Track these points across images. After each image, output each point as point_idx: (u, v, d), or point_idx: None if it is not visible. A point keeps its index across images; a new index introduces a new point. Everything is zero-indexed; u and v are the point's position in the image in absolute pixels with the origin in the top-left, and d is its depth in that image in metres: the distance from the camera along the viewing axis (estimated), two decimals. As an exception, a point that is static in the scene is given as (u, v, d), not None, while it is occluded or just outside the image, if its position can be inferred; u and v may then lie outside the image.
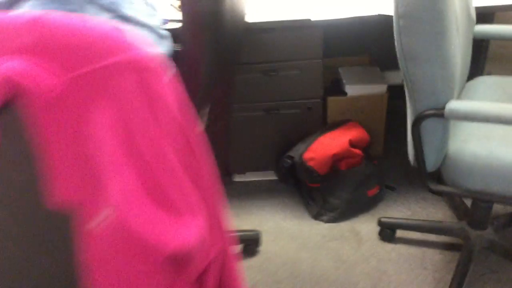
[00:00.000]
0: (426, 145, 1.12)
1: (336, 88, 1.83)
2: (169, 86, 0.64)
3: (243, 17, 1.30)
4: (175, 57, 1.00)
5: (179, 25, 1.39)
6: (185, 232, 0.63)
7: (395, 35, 1.08)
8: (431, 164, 1.14)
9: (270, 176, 1.89)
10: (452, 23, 1.06)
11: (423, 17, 1.01)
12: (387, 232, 1.56)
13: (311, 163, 1.55)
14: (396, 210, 1.71)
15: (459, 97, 1.32)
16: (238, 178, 1.91)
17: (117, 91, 0.60)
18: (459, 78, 1.17)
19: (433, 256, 1.52)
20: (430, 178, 1.16)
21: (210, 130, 1.13)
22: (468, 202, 1.51)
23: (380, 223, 1.57)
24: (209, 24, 0.97)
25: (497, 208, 1.66)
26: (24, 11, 0.93)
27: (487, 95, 1.35)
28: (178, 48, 1.08)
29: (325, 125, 1.74)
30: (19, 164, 0.63)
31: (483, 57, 1.59)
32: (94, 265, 0.63)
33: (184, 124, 0.66)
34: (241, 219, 1.74)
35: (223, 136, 1.51)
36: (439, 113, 1.07)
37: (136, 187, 0.61)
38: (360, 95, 1.77)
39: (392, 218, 1.62)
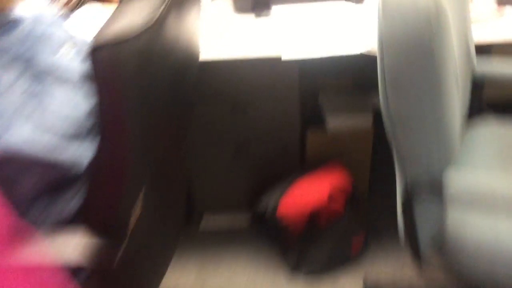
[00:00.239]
0: (420, 225, 0.92)
1: (316, 116, 1.61)
2: None
3: (194, 56, 1.08)
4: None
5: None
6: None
7: (380, 92, 0.87)
8: (426, 246, 0.94)
9: (242, 220, 1.68)
10: (450, 74, 0.85)
11: (415, 70, 0.80)
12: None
13: (285, 221, 1.35)
14: (384, 261, 1.51)
15: (458, 153, 1.11)
16: (205, 224, 1.69)
17: None
18: (458, 134, 0.96)
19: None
20: (425, 262, 0.96)
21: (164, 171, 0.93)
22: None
23: (365, 284, 1.38)
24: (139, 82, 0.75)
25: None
26: None
27: (491, 155, 1.14)
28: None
29: (303, 164, 1.53)
30: None
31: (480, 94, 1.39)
32: None
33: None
34: (208, 272, 1.53)
35: (181, 178, 1.30)
36: (435, 188, 0.86)
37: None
38: (343, 128, 1.56)
39: (378, 278, 1.42)
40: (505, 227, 0.90)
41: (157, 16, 0.68)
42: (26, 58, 0.83)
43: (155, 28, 0.67)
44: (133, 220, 0.78)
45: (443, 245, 0.92)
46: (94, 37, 0.61)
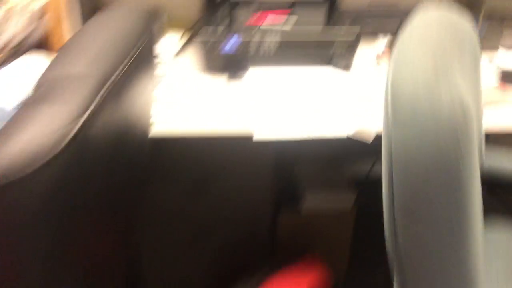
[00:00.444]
0: None
1: (290, 194, 1.41)
2: None
3: (144, 132, 0.86)
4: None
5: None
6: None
7: (385, 217, 0.67)
8: None
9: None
10: (477, 195, 0.66)
11: (434, 196, 0.61)
12: None
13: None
14: None
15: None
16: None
17: None
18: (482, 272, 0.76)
19: None
20: None
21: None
22: None
23: None
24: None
25: None
26: None
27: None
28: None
29: (274, 253, 1.31)
30: None
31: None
32: None
33: None
34: None
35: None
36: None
37: None
38: (320, 208, 1.36)
39: None
40: None
41: (78, 125, 0.46)
42: None
43: (76, 143, 0.46)
44: None
45: None
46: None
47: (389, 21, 1.44)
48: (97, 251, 0.71)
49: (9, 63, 1.15)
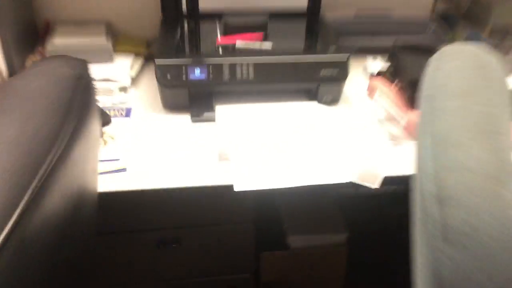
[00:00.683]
0: None
1: (275, 237, 1.25)
2: None
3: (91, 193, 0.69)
4: None
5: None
6: None
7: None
8: None
9: None
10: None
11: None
12: None
13: None
14: None
15: None
16: None
17: None
18: None
19: None
20: None
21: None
22: None
23: None
24: None
25: None
26: None
27: None
28: None
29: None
30: None
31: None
32: None
33: None
34: None
35: None
36: None
37: None
38: (308, 249, 1.22)
39: None
40: None
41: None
42: None
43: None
44: None
45: None
46: None
47: (380, 36, 1.26)
48: None
49: None
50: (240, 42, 1.05)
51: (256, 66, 0.98)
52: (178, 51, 1.01)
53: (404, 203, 0.62)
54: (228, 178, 0.84)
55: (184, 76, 0.96)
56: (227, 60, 0.97)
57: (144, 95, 1.09)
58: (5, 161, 0.44)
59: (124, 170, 0.85)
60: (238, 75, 0.98)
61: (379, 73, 1.10)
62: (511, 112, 0.53)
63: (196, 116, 0.99)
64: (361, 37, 1.26)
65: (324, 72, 1.00)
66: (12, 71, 1.01)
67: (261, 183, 0.82)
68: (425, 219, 0.47)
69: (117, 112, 1.01)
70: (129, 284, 1.10)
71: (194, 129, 0.97)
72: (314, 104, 1.04)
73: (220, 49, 1.03)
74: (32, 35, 1.16)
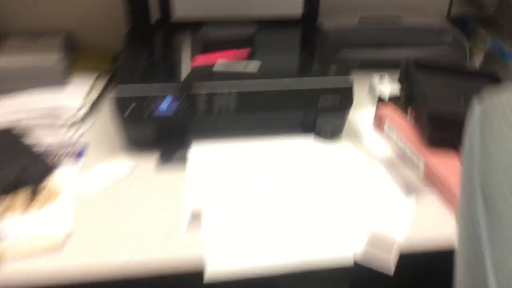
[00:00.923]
0: None
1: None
2: None
3: None
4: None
5: None
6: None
7: None
8: None
9: None
10: None
11: None
12: None
13: None
14: None
15: None
16: None
17: None
18: None
19: None
20: None
21: None
22: None
23: None
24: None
25: None
26: None
27: None
28: None
29: None
30: None
31: None
32: None
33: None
34: None
35: None
36: None
37: None
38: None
39: None
40: None
41: None
42: None
43: None
44: None
45: None
46: None
47: (387, 48, 1.08)
48: None
49: None
50: (220, 63, 0.85)
51: (239, 94, 0.79)
52: (143, 76, 0.82)
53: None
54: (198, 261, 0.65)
55: (148, 110, 0.77)
56: (203, 88, 0.78)
57: (105, 127, 0.89)
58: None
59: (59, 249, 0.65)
60: (217, 106, 0.79)
61: (390, 99, 0.91)
62: None
63: (166, 159, 0.80)
64: (366, 49, 1.07)
65: (323, 101, 0.81)
66: None
67: (241, 263, 0.64)
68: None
69: (64, 156, 0.81)
70: None
71: (161, 179, 0.78)
72: (310, 140, 0.85)
73: (195, 73, 0.84)
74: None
